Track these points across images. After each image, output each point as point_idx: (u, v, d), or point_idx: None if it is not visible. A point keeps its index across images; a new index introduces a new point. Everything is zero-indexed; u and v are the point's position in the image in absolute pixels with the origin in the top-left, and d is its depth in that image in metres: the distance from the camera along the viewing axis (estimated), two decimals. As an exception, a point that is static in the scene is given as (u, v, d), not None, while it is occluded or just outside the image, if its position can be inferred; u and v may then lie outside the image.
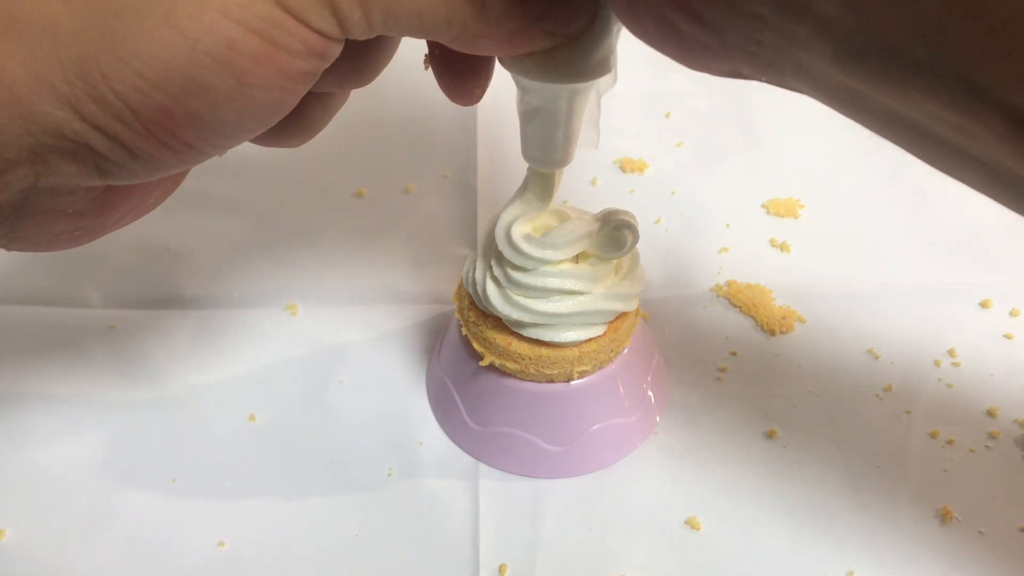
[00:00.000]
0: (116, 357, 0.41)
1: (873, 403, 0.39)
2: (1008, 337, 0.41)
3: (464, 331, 0.35)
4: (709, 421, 0.38)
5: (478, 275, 0.33)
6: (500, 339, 0.33)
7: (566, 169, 0.31)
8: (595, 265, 0.33)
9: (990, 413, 0.38)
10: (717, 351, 0.41)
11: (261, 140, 0.24)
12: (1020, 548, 0.34)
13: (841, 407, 0.39)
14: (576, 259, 0.33)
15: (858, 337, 0.41)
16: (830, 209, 0.48)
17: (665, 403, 0.39)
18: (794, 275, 0.44)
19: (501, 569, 0.34)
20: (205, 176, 0.28)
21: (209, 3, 0.19)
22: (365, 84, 0.26)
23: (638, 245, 0.32)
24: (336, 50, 0.22)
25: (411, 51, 0.28)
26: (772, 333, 0.42)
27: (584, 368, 0.34)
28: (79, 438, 0.38)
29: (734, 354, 0.41)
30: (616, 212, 0.32)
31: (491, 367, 0.35)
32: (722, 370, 0.40)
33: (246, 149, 0.26)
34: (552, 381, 0.35)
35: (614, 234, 0.32)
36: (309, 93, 0.23)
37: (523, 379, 0.35)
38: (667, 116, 0.53)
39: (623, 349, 0.35)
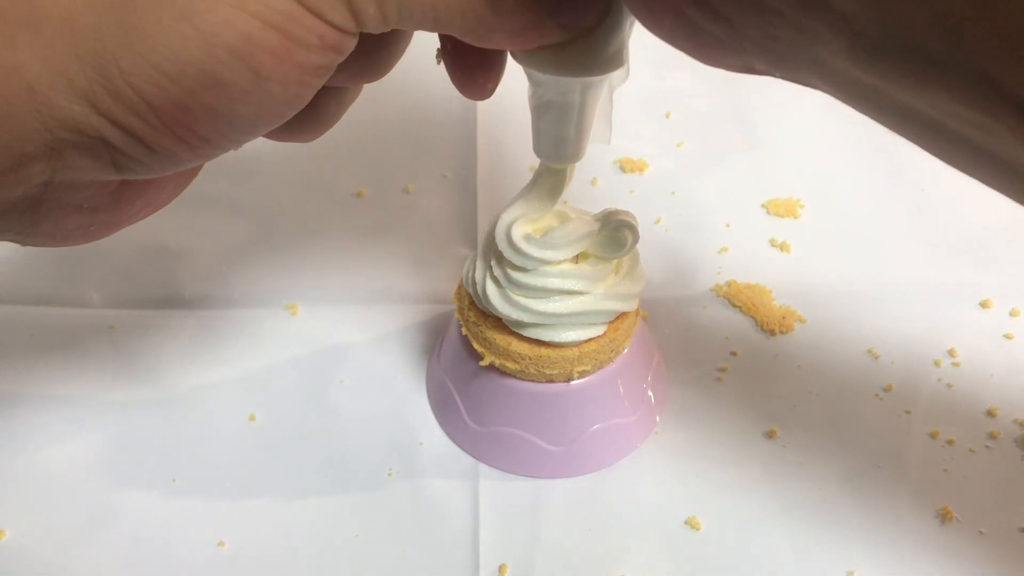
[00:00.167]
0: (116, 357, 0.41)
1: (873, 403, 0.39)
2: (1008, 337, 0.41)
3: (464, 331, 0.35)
4: (709, 421, 0.38)
5: (478, 275, 0.33)
6: (500, 339, 0.33)
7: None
8: (595, 265, 0.33)
9: (990, 413, 0.38)
10: (717, 351, 0.41)
11: (275, 135, 0.24)
12: (1020, 548, 0.34)
13: (841, 407, 0.39)
14: (576, 259, 0.33)
15: (858, 337, 0.41)
16: (830, 209, 0.48)
17: (665, 403, 0.39)
18: (794, 275, 0.44)
19: (501, 569, 0.34)
20: (205, 176, 0.28)
21: None
22: (378, 78, 0.26)
23: (638, 245, 0.33)
24: (351, 44, 0.22)
25: (412, 50, 0.28)
26: (772, 333, 0.42)
27: (584, 368, 0.34)
28: (79, 438, 0.38)
29: (734, 354, 0.41)
30: (616, 212, 0.32)
31: (491, 367, 0.35)
32: (722, 370, 0.40)
33: (246, 148, 0.26)
34: (552, 381, 0.35)
35: (614, 234, 0.32)
36: (322, 87, 0.23)
37: (523, 379, 0.35)
38: (667, 116, 0.53)
39: (623, 349, 0.35)
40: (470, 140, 0.51)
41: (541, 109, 0.28)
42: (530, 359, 0.33)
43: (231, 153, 0.24)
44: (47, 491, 0.36)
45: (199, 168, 0.26)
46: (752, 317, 0.42)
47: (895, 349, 0.41)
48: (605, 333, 0.34)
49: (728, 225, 0.47)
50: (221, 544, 0.35)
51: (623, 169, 0.50)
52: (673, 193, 0.49)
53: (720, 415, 0.39)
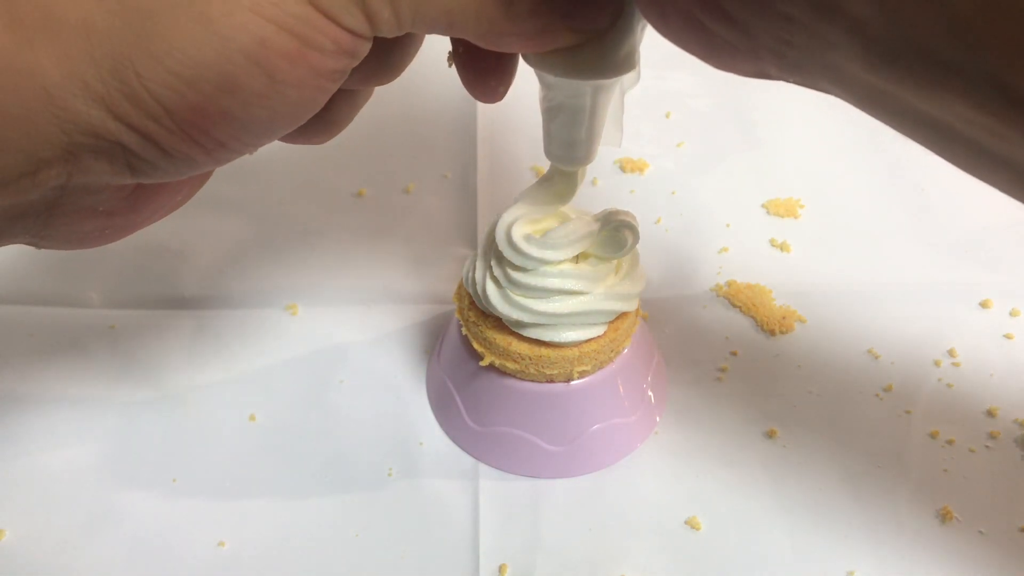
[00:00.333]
0: (116, 357, 0.41)
1: (873, 403, 0.39)
2: (1008, 337, 0.41)
3: (464, 331, 0.35)
4: (709, 421, 0.38)
5: (478, 275, 0.33)
6: (500, 339, 0.33)
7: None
8: (595, 265, 0.33)
9: (990, 413, 0.38)
10: (717, 351, 0.41)
11: (287, 137, 0.25)
12: (1020, 548, 0.34)
13: (841, 407, 0.39)
14: (576, 259, 0.33)
15: (858, 337, 0.41)
16: (830, 209, 0.48)
17: (665, 403, 0.39)
18: (794, 275, 0.44)
19: (501, 569, 0.34)
20: (205, 176, 0.28)
21: (242, 2, 0.19)
22: (390, 80, 0.26)
23: (638, 245, 0.33)
24: (366, 48, 0.22)
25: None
26: (772, 333, 0.42)
27: (584, 368, 0.34)
28: (79, 438, 0.38)
29: (734, 354, 0.41)
30: (616, 212, 0.32)
31: (491, 367, 0.35)
32: (722, 370, 0.40)
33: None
34: (552, 381, 0.35)
35: (614, 234, 0.32)
36: (335, 91, 0.23)
37: (523, 379, 0.35)
38: (667, 116, 0.53)
39: (623, 349, 0.35)
40: (470, 140, 0.51)
41: (552, 112, 0.28)
42: (530, 359, 0.33)
43: None
44: (47, 491, 0.36)
45: (212, 171, 0.27)
46: (752, 317, 0.42)
47: (895, 349, 0.41)
48: (605, 333, 0.34)
49: (728, 225, 0.47)
50: (221, 544, 0.35)
51: (623, 169, 0.50)
52: (673, 193, 0.49)
53: (720, 415, 0.39)
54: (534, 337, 0.33)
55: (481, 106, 0.53)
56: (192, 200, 0.27)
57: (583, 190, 0.49)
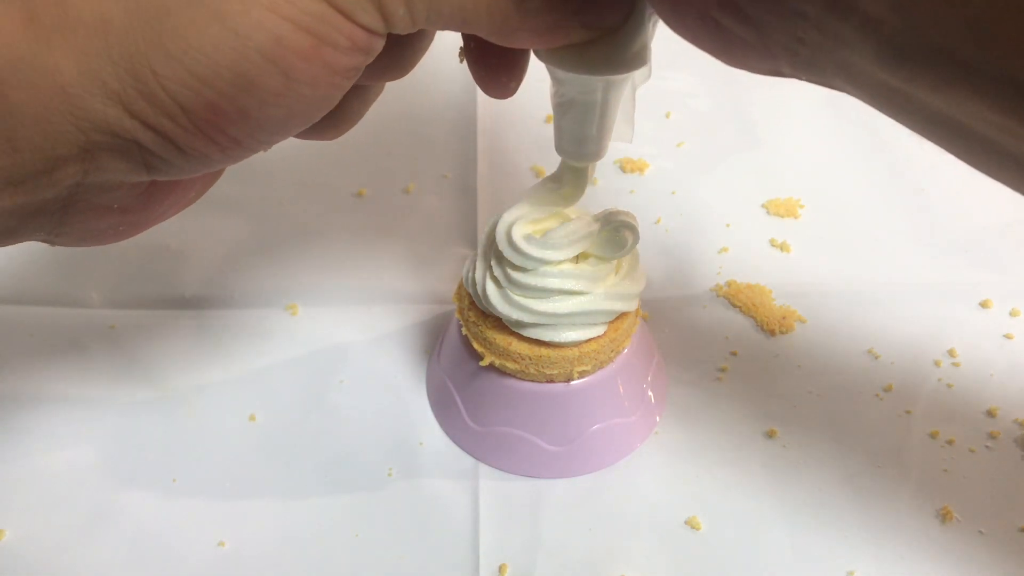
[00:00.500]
0: (116, 357, 0.41)
1: (873, 403, 0.39)
2: (1008, 337, 0.41)
3: (464, 331, 0.35)
4: (709, 421, 0.38)
5: (478, 275, 0.33)
6: (500, 339, 0.33)
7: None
8: (595, 265, 0.33)
9: (990, 413, 0.38)
10: (717, 351, 0.41)
11: (300, 134, 0.25)
12: (1020, 548, 0.34)
13: (841, 407, 0.39)
14: (576, 259, 0.33)
15: (858, 337, 0.41)
16: (830, 209, 0.48)
17: (665, 403, 0.39)
18: (794, 275, 0.44)
19: (501, 569, 0.34)
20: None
21: (258, 0, 0.20)
22: (401, 76, 0.26)
23: (638, 245, 0.33)
24: (380, 45, 0.22)
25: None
26: (772, 333, 0.42)
27: (584, 368, 0.34)
28: (79, 438, 0.38)
29: (734, 354, 0.41)
30: (616, 213, 0.32)
31: (491, 367, 0.35)
32: (722, 370, 0.40)
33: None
34: (552, 381, 0.35)
35: (614, 235, 0.32)
36: None
37: (523, 379, 0.35)
38: (667, 116, 0.53)
39: (623, 349, 0.35)
40: (470, 140, 0.51)
41: (563, 107, 0.28)
42: (530, 359, 0.33)
43: None
44: (47, 491, 0.36)
45: (224, 169, 0.27)
46: (752, 317, 0.42)
47: (895, 349, 0.41)
48: (605, 333, 0.34)
49: (728, 225, 0.47)
50: (221, 544, 0.35)
51: (623, 169, 0.50)
52: (673, 193, 0.49)
53: (720, 415, 0.39)
54: (534, 337, 0.33)
55: (481, 106, 0.52)
56: (193, 200, 0.27)
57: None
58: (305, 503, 0.36)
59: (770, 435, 0.38)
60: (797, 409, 0.39)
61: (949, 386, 0.40)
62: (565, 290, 0.32)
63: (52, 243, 0.24)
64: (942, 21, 0.16)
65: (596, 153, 0.29)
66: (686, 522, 0.35)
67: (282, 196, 0.48)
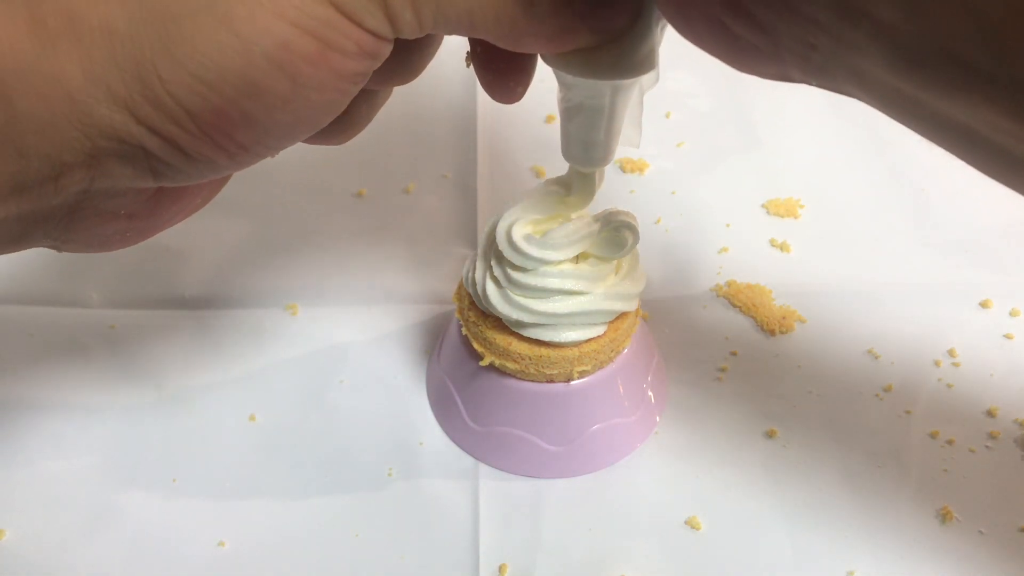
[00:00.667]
0: (116, 357, 0.41)
1: (873, 403, 0.39)
2: (1008, 337, 0.41)
3: (464, 331, 0.35)
4: (709, 421, 0.38)
5: (478, 275, 0.33)
6: (500, 339, 0.33)
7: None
8: (595, 265, 0.33)
9: (990, 413, 0.38)
10: (717, 351, 0.41)
11: (307, 139, 0.25)
12: (1020, 548, 0.34)
13: (841, 407, 0.39)
14: (576, 259, 0.33)
15: (858, 337, 0.41)
16: (830, 209, 0.48)
17: (665, 403, 0.39)
18: (794, 275, 0.44)
19: (501, 569, 0.34)
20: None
21: (264, 5, 0.19)
22: (409, 81, 0.26)
23: (638, 245, 0.32)
24: (387, 50, 0.22)
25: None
26: (772, 333, 0.42)
27: (584, 368, 0.34)
28: (79, 438, 0.38)
29: (734, 354, 0.41)
30: (616, 213, 0.32)
31: (491, 367, 0.35)
32: (722, 370, 0.40)
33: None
34: (552, 381, 0.35)
35: (614, 235, 0.32)
36: None
37: (523, 379, 0.35)
38: (667, 116, 0.53)
39: (623, 349, 0.35)
40: (470, 140, 0.51)
41: (571, 112, 0.28)
42: (530, 359, 0.33)
43: None
44: (47, 491, 0.36)
45: (232, 174, 0.27)
46: (752, 317, 0.42)
47: (895, 349, 0.41)
48: (605, 333, 0.34)
49: (728, 225, 0.47)
50: (221, 544, 0.35)
51: (623, 169, 0.50)
52: (673, 193, 0.49)
53: (720, 415, 0.39)
54: (534, 337, 0.33)
55: (481, 106, 0.52)
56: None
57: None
58: (305, 503, 0.36)
59: (770, 435, 0.38)
60: (797, 409, 0.39)
61: (949, 386, 0.39)
62: (565, 290, 0.32)
63: (59, 249, 0.24)
64: (956, 27, 0.16)
65: (604, 158, 0.29)
66: (686, 522, 0.35)
67: (282, 196, 0.48)
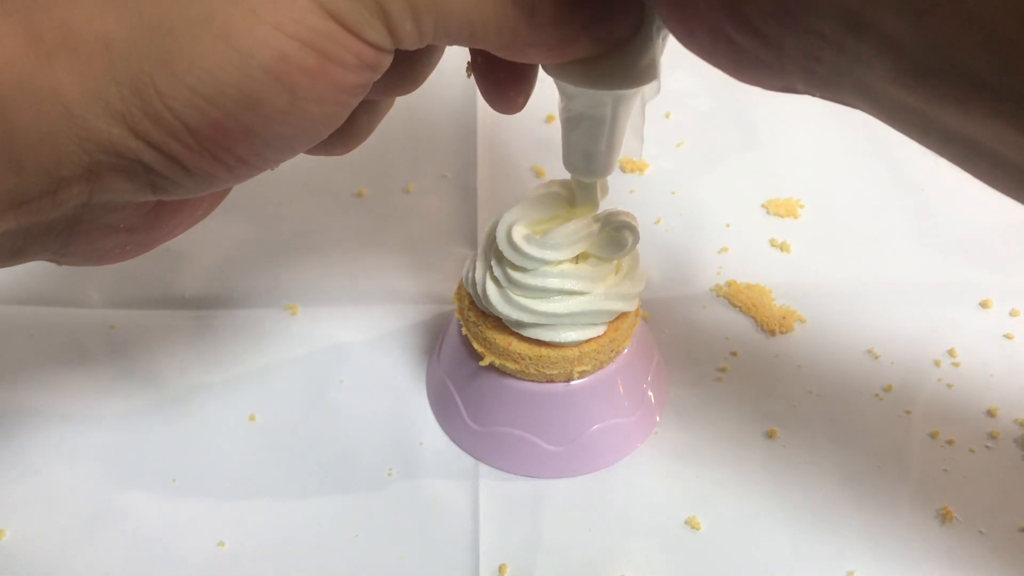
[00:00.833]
0: (116, 357, 0.41)
1: (873, 403, 0.39)
2: (1008, 337, 0.41)
3: (464, 331, 0.35)
4: (709, 421, 0.38)
5: (478, 275, 0.33)
6: (500, 339, 0.33)
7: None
8: (595, 265, 0.33)
9: (990, 413, 0.38)
10: (717, 351, 0.41)
11: (309, 150, 0.24)
12: (1020, 548, 0.34)
13: (841, 407, 0.39)
14: (576, 259, 0.33)
15: (858, 337, 0.41)
16: (830, 209, 0.48)
17: (665, 403, 0.39)
18: (794, 275, 0.44)
19: (501, 569, 0.34)
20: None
21: (263, 17, 0.19)
22: (411, 91, 0.26)
23: (638, 245, 0.32)
24: (387, 61, 0.22)
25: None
26: (772, 333, 0.42)
27: (584, 368, 0.34)
28: (79, 438, 0.38)
29: (734, 354, 0.41)
30: (617, 213, 0.32)
31: (491, 367, 0.35)
32: (722, 370, 0.40)
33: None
34: (552, 381, 0.35)
35: (615, 235, 0.32)
36: None
37: (523, 379, 0.35)
38: (667, 116, 0.53)
39: (623, 349, 0.35)
40: (470, 140, 0.51)
41: (572, 122, 0.28)
42: (530, 359, 0.33)
43: None
44: (47, 491, 0.36)
45: (233, 186, 0.26)
46: (752, 317, 0.42)
47: (895, 349, 0.41)
48: (605, 333, 0.34)
49: (728, 225, 0.47)
50: (221, 544, 0.35)
51: (623, 169, 0.50)
52: (673, 193, 0.49)
53: (720, 415, 0.39)
54: (534, 337, 0.33)
55: (481, 106, 0.52)
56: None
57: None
58: (305, 503, 0.36)
59: (770, 435, 0.38)
60: (797, 409, 0.39)
61: (949, 386, 0.39)
62: (565, 290, 0.32)
63: (58, 263, 0.24)
64: (962, 40, 0.16)
65: (605, 168, 0.29)
66: (686, 522, 0.35)
67: (282, 196, 0.48)
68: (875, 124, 0.20)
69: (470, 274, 0.34)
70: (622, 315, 0.34)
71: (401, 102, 0.55)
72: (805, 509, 0.35)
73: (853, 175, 0.49)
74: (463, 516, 0.35)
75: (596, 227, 0.32)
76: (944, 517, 0.35)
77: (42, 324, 0.42)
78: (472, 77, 0.27)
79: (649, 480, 0.37)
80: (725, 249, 0.46)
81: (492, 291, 0.33)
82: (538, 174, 0.49)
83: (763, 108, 0.53)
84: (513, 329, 0.33)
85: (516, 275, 0.32)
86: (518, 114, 0.28)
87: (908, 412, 0.39)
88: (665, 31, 0.24)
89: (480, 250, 0.34)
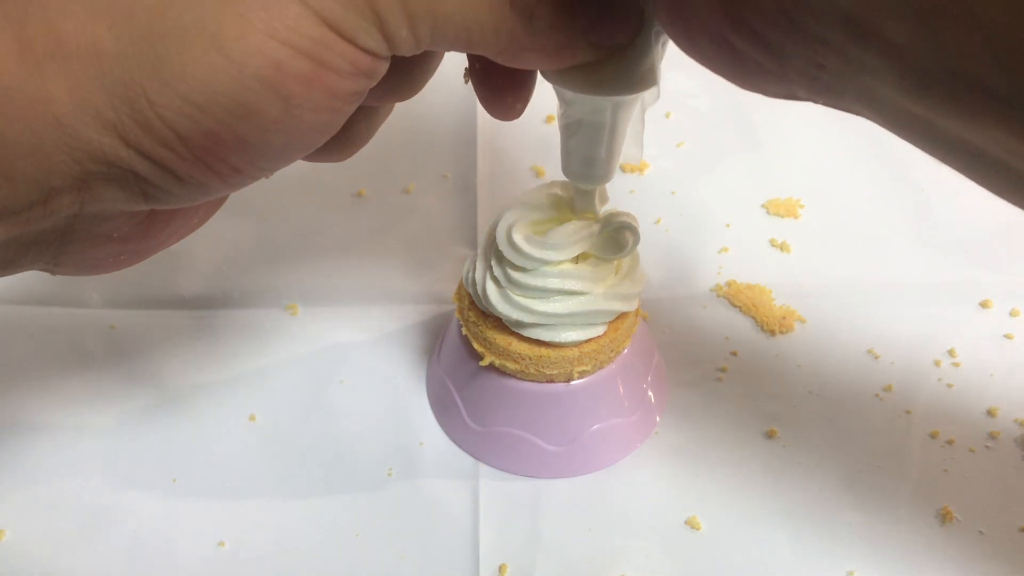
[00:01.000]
0: (116, 357, 0.41)
1: (873, 403, 0.39)
2: (1008, 337, 0.41)
3: (464, 331, 0.35)
4: (709, 421, 0.38)
5: (478, 275, 0.33)
6: (500, 339, 0.33)
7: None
8: (595, 265, 0.33)
9: (990, 413, 0.38)
10: (717, 351, 0.41)
11: (307, 157, 0.24)
12: (1020, 548, 0.34)
13: (841, 407, 0.39)
14: (576, 259, 0.33)
15: (858, 337, 0.41)
16: (830, 209, 0.48)
17: (665, 403, 0.39)
18: (794, 275, 0.44)
19: (501, 569, 0.34)
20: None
21: (255, 25, 0.19)
22: (409, 97, 0.26)
23: (638, 245, 0.32)
24: (383, 68, 0.21)
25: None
26: (772, 333, 0.42)
27: (584, 368, 0.34)
28: (79, 438, 0.38)
29: (734, 354, 0.41)
30: (617, 214, 0.32)
31: (491, 367, 0.35)
32: (722, 370, 0.40)
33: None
34: (552, 381, 0.35)
35: (615, 236, 0.32)
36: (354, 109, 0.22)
37: (523, 379, 0.35)
38: (667, 116, 0.53)
39: (623, 349, 0.35)
40: (470, 140, 0.51)
41: (571, 128, 0.28)
42: (530, 359, 0.33)
43: None
44: (47, 491, 0.36)
45: (229, 195, 0.26)
46: (752, 317, 0.42)
47: (895, 349, 0.41)
48: (605, 333, 0.34)
49: (728, 225, 0.47)
50: (221, 544, 0.35)
51: (623, 169, 0.50)
52: (673, 193, 0.49)
53: (720, 415, 0.39)
54: (534, 337, 0.33)
55: (481, 107, 0.52)
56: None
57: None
58: (305, 503, 0.36)
59: (770, 435, 0.38)
60: (797, 409, 0.39)
61: (949, 386, 0.39)
62: (565, 290, 0.32)
63: (52, 272, 0.24)
64: (968, 48, 0.16)
65: (605, 175, 0.29)
66: (686, 522, 0.35)
67: (282, 196, 0.48)
68: (876, 125, 0.20)
69: (470, 274, 0.34)
70: (622, 315, 0.34)
71: (401, 103, 0.55)
72: (805, 509, 0.35)
73: (853, 175, 0.49)
74: (463, 516, 0.35)
75: (596, 227, 0.32)
76: (944, 517, 0.35)
77: (42, 324, 0.42)
78: (470, 83, 0.26)
79: (649, 480, 0.37)
80: (725, 249, 0.46)
81: (492, 291, 0.33)
82: (538, 174, 0.49)
83: (763, 108, 0.53)
84: (513, 329, 0.33)
85: (516, 275, 0.32)
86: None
87: (908, 412, 0.39)
88: (665, 36, 0.24)
89: (480, 250, 0.34)
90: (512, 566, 0.34)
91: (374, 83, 0.22)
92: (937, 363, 0.40)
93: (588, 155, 0.28)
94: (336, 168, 0.49)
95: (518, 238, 0.31)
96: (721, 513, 0.35)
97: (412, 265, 0.45)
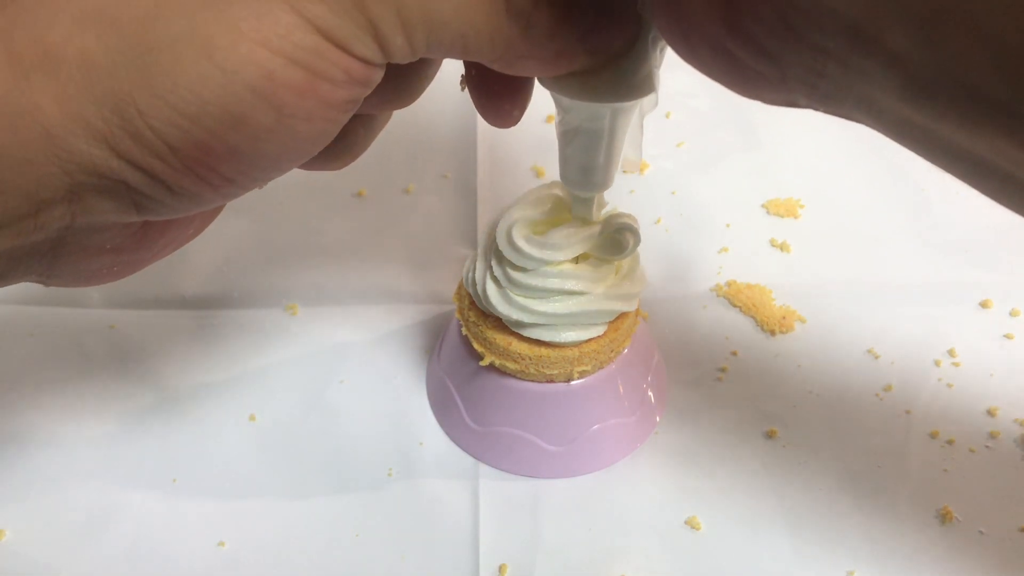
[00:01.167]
0: (116, 357, 0.41)
1: (873, 403, 0.39)
2: (1008, 337, 0.41)
3: (464, 331, 0.35)
4: (709, 421, 0.38)
5: (478, 275, 0.33)
6: (500, 339, 0.33)
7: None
8: (595, 265, 0.33)
9: (990, 413, 0.38)
10: (717, 351, 0.41)
11: (303, 165, 0.24)
12: (1020, 548, 0.34)
13: (841, 407, 0.39)
14: (576, 259, 0.33)
15: (858, 337, 0.41)
16: (830, 209, 0.48)
17: (665, 403, 0.39)
18: (794, 275, 0.44)
19: (501, 569, 0.34)
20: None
21: (247, 34, 0.19)
22: (407, 104, 0.26)
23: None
24: (378, 76, 0.21)
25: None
26: (772, 333, 0.42)
27: (584, 368, 0.34)
28: (79, 438, 0.38)
29: (734, 354, 0.41)
30: (617, 215, 0.32)
31: (491, 367, 0.35)
32: (722, 370, 0.40)
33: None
34: (552, 381, 0.35)
35: (615, 237, 0.32)
36: (351, 117, 0.22)
37: (523, 379, 0.35)
38: (667, 116, 0.53)
39: (623, 349, 0.35)
40: (470, 140, 0.51)
41: (569, 135, 0.27)
42: (530, 359, 0.33)
43: None
44: (47, 491, 0.36)
45: (224, 205, 0.26)
46: (752, 317, 0.42)
47: (895, 349, 0.41)
48: (605, 333, 0.34)
49: (728, 225, 0.47)
50: (221, 544, 0.35)
51: (623, 169, 0.50)
52: (673, 193, 0.49)
53: (720, 415, 0.39)
54: (534, 337, 0.33)
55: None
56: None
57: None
58: (305, 503, 0.36)
59: (770, 435, 0.38)
60: (797, 409, 0.39)
61: (949, 386, 0.39)
62: (565, 290, 0.32)
63: (46, 284, 0.23)
64: (971, 57, 0.15)
65: (603, 183, 0.29)
66: (686, 522, 0.35)
67: (282, 196, 0.48)
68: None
69: (470, 274, 0.34)
70: (622, 315, 0.34)
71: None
72: (805, 509, 0.35)
73: (853, 175, 0.49)
74: (463, 516, 0.35)
75: (597, 228, 0.32)
76: (944, 517, 0.35)
77: (42, 324, 0.42)
78: (466, 90, 0.26)
79: (649, 480, 0.37)
80: (725, 249, 0.46)
81: (492, 291, 0.33)
82: (538, 174, 0.49)
83: (763, 108, 0.53)
84: (513, 329, 0.33)
85: (516, 275, 0.32)
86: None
87: (908, 412, 0.39)
88: (663, 42, 0.24)
89: (480, 250, 0.34)
90: (512, 566, 0.34)
91: (369, 91, 0.21)
92: (937, 363, 0.40)
93: (586, 162, 0.28)
94: (336, 168, 0.49)
95: (518, 238, 0.31)
96: (721, 513, 0.35)
97: (412, 265, 0.45)
